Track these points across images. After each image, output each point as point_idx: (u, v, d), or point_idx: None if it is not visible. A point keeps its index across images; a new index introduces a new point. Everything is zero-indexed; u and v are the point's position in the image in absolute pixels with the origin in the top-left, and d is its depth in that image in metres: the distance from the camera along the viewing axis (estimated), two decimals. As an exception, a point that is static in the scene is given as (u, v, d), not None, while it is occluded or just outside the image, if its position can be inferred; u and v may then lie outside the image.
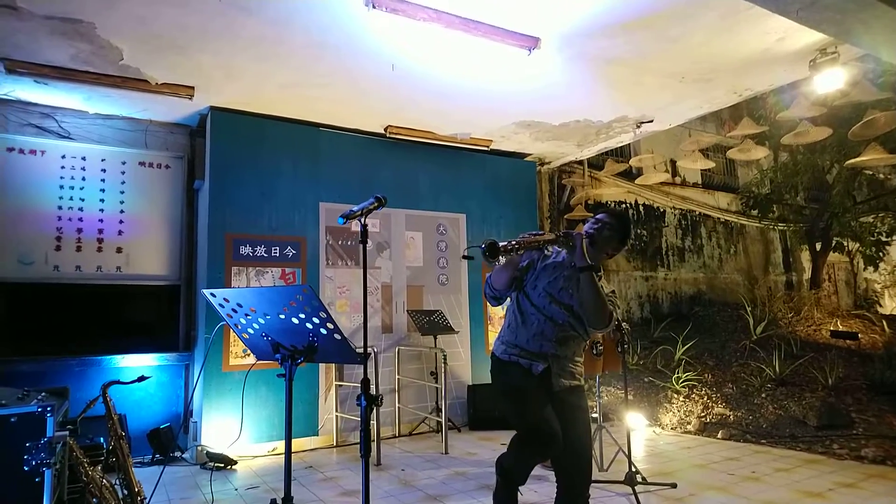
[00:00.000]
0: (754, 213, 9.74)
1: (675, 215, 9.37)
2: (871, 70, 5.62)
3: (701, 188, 9.79)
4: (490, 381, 2.52)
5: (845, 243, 9.83)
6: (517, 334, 2.37)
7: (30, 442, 1.81)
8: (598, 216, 2.42)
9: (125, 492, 2.90)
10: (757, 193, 9.58)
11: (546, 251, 2.39)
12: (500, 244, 2.07)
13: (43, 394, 2.25)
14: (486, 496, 3.65)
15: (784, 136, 5.89)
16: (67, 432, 2.19)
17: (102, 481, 2.74)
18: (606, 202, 8.54)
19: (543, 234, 2.22)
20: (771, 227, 10.18)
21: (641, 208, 8.96)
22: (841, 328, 7.71)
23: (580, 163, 7.79)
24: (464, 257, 2.43)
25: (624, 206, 8.74)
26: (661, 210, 9.20)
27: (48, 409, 1.86)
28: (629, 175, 8.30)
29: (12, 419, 1.80)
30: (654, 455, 4.69)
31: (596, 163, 8.12)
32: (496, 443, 5.12)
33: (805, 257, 10.57)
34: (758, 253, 10.42)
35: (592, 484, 3.84)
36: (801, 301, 8.71)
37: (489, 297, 2.44)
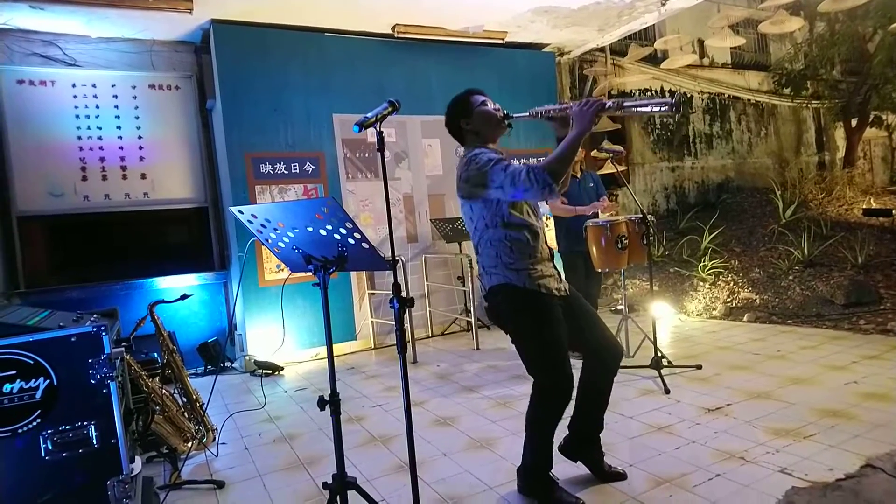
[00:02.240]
0: (786, 91, 9.24)
1: (702, 100, 8.95)
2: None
3: (730, 68, 9.25)
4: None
5: (884, 117, 9.34)
6: (529, 252, 2.17)
7: (91, 358, 1.95)
8: (480, 99, 2.35)
9: (184, 399, 3.15)
10: (790, 70, 9.04)
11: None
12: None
13: (95, 315, 2.39)
14: (517, 384, 3.86)
15: (821, 3, 5.44)
16: (123, 349, 2.36)
17: (162, 391, 2.98)
18: (631, 91, 8.17)
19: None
20: (804, 105, 9.68)
21: (667, 95, 8.55)
22: (874, 206, 7.53)
23: (602, 50, 7.38)
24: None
25: (649, 93, 8.36)
26: (689, 95, 8.78)
27: (102, 328, 1.98)
28: (654, 60, 7.86)
29: (72, 339, 1.94)
30: (680, 340, 4.83)
31: (619, 49, 7.68)
32: (525, 338, 5.31)
33: (839, 135, 10.12)
34: (789, 134, 10.00)
35: (619, 368, 4.02)
36: (833, 181, 8.48)
37: (547, 193, 1.99)
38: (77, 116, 5.06)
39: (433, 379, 4.26)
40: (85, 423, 1.94)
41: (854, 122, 9.11)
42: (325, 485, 2.02)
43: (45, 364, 1.90)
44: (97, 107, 5.14)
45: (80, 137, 5.07)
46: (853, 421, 2.78)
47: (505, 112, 2.32)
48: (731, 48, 8.74)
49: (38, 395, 1.89)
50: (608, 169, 6.27)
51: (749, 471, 2.36)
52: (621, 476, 2.42)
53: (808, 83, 9.14)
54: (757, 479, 2.29)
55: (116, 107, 5.21)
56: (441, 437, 3.07)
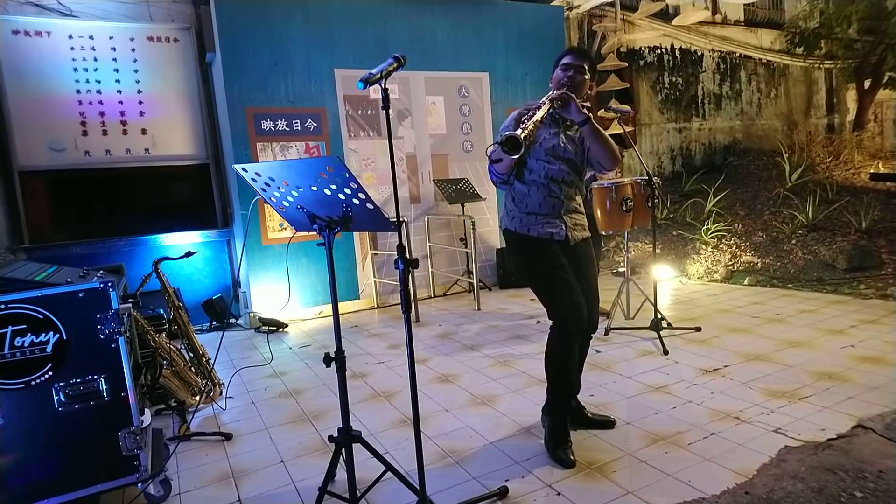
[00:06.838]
0: (799, 50, 9.01)
1: (713, 59, 8.74)
2: None
3: (743, 26, 9.00)
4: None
5: (899, 78, 9.14)
6: (526, 203, 2.37)
7: (100, 314, 1.98)
8: (562, 62, 2.40)
9: (191, 354, 3.21)
10: (804, 28, 8.79)
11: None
12: (519, 135, 2.06)
13: (101, 271, 2.41)
14: (517, 344, 3.92)
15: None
16: (130, 304, 2.38)
17: (169, 346, 3.03)
18: (640, 49, 7.97)
19: (540, 108, 2.24)
20: (816, 65, 9.45)
21: (678, 53, 8.36)
22: (882, 170, 7.45)
23: (612, 5, 7.17)
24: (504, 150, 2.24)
25: (659, 51, 8.16)
26: (699, 54, 8.57)
27: (109, 284, 2.00)
28: (665, 16, 7.64)
29: (80, 294, 1.96)
30: (680, 303, 4.87)
31: (629, 3, 7.47)
32: (525, 298, 5.37)
33: (851, 97, 9.92)
34: (800, 95, 9.80)
35: (619, 330, 4.07)
36: (842, 144, 8.36)
37: (498, 183, 2.42)
38: (75, 69, 4.97)
39: (435, 338, 4.32)
40: (95, 377, 1.99)
41: (867, 84, 8.91)
42: (330, 438, 2.08)
43: (55, 319, 1.92)
44: (95, 59, 5.04)
45: (78, 91, 4.99)
46: (848, 383, 2.83)
47: (553, 97, 2.26)
48: (744, 4, 8.47)
49: (49, 348, 1.92)
50: (615, 129, 6.17)
51: (743, 430, 2.42)
52: (610, 422, 2.52)
53: (821, 42, 8.89)
54: (751, 438, 2.34)
55: (115, 59, 5.11)
56: (443, 393, 3.14)
